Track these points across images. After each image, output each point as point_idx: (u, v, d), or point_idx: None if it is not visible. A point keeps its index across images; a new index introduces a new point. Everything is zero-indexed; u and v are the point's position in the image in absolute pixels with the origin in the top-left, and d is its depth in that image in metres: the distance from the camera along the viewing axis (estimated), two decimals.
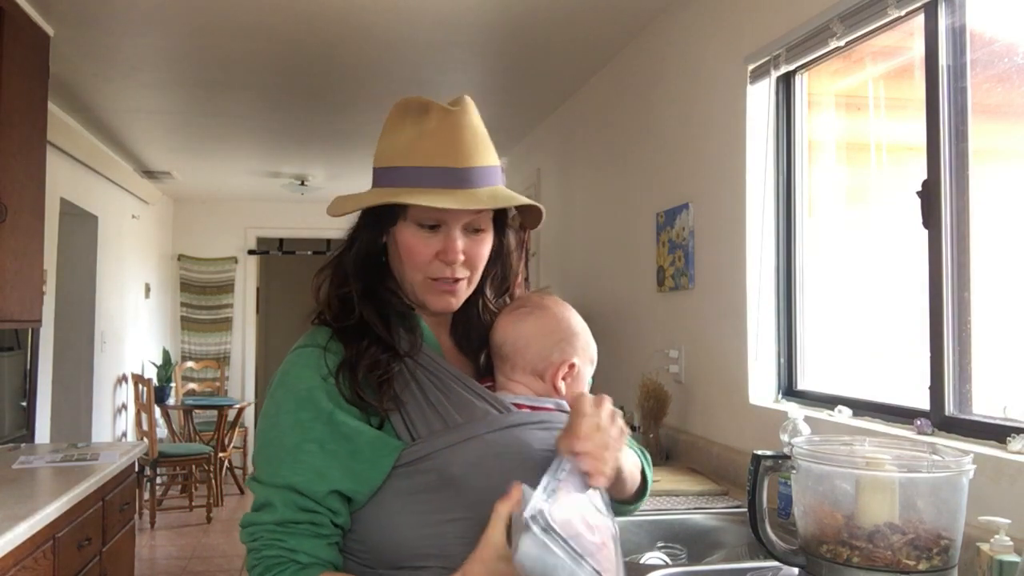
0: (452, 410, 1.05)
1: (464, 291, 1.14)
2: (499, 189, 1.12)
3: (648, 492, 1.25)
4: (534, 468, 0.97)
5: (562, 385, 1.14)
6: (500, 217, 1.17)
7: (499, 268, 1.21)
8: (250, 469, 7.36)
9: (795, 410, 2.05)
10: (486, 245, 1.14)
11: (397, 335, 1.10)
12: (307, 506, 1.01)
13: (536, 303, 1.18)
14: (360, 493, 1.03)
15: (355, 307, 1.10)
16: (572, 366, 1.15)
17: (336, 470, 1.02)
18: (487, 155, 1.12)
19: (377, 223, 1.13)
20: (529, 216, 1.20)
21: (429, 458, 1.02)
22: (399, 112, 1.13)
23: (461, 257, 1.10)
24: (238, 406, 6.98)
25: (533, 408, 1.09)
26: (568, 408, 1.09)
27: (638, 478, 1.20)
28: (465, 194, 1.07)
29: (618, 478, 1.08)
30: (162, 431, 6.80)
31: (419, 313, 1.15)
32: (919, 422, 1.80)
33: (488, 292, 1.21)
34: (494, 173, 1.13)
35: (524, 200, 1.13)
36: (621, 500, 1.18)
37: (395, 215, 1.10)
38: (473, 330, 1.20)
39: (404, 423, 1.04)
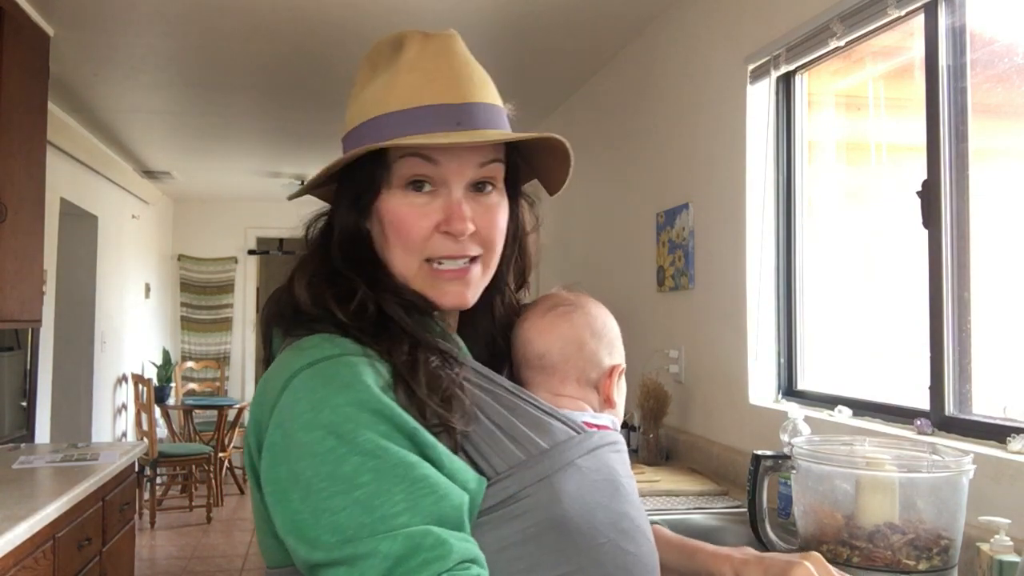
0: (530, 433, 0.80)
1: (479, 279, 0.87)
2: (497, 132, 0.85)
3: None
4: (626, 499, 0.84)
5: (616, 396, 0.97)
6: (514, 186, 0.93)
7: (516, 251, 0.96)
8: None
9: (795, 410, 2.05)
10: (500, 212, 0.87)
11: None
12: (461, 538, 0.70)
13: (571, 300, 1.00)
14: None
15: (366, 304, 0.81)
16: (622, 372, 0.99)
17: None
18: (489, 91, 0.87)
19: (356, 201, 0.85)
20: (550, 175, 0.95)
21: (519, 498, 0.76)
22: (368, 64, 0.88)
23: (470, 227, 0.83)
24: (238, 406, 6.98)
25: (597, 427, 0.90)
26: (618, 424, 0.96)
27: None
28: (468, 134, 0.82)
29: None
30: (162, 431, 6.79)
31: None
32: (919, 422, 1.80)
33: (510, 283, 0.97)
34: (500, 115, 0.87)
35: (544, 134, 0.88)
36: None
37: (377, 184, 0.84)
38: (487, 333, 0.94)
39: (469, 457, 0.77)
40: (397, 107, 0.82)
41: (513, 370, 0.97)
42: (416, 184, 0.83)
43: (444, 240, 0.83)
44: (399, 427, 0.72)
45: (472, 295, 0.87)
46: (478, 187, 0.85)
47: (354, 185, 0.85)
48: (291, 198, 0.91)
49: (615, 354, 0.98)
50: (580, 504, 0.78)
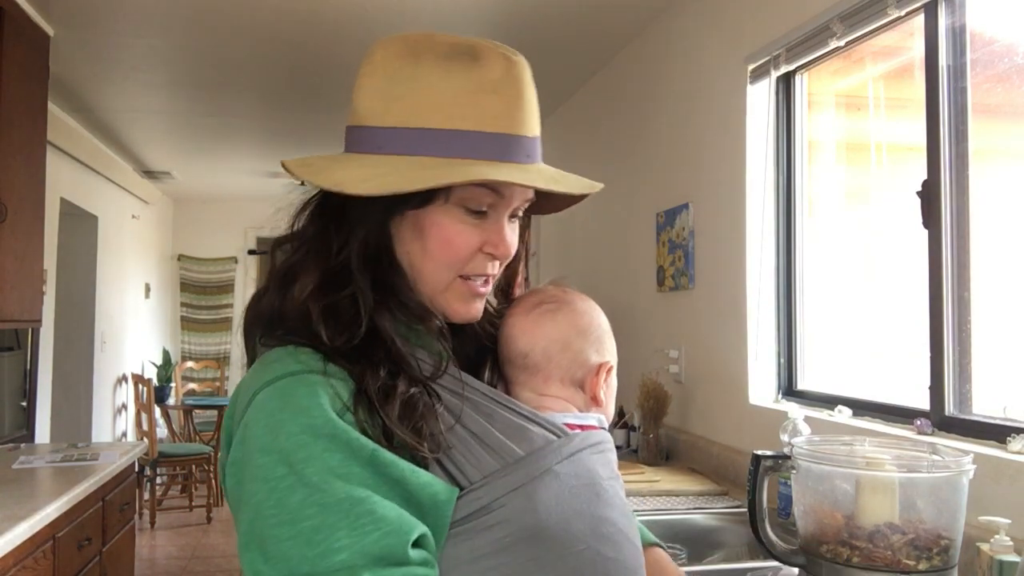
0: (506, 440, 0.80)
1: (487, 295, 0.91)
2: (552, 169, 0.88)
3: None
4: (607, 503, 0.82)
5: (603, 395, 0.94)
6: None
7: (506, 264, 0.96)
8: None
9: (795, 410, 2.05)
10: (517, 234, 0.91)
11: (416, 356, 0.83)
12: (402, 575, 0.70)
13: (557, 297, 0.97)
14: None
15: (361, 320, 0.81)
16: (611, 369, 0.96)
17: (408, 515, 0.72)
18: (539, 121, 0.89)
19: (393, 204, 0.82)
20: (554, 202, 0.96)
21: (493, 508, 0.76)
22: (407, 52, 0.83)
23: (512, 251, 0.87)
24: None
25: (582, 427, 0.88)
26: (606, 423, 0.94)
27: None
28: (538, 172, 0.84)
29: None
30: (162, 431, 6.79)
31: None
32: (919, 422, 1.80)
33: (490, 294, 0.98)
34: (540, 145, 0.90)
35: (597, 186, 0.91)
36: None
37: (429, 195, 0.81)
38: (470, 340, 0.95)
39: (443, 468, 0.77)
40: (477, 127, 0.81)
41: (499, 367, 0.96)
42: (475, 208, 0.84)
43: (483, 260, 0.86)
44: (355, 452, 0.72)
45: (482, 309, 0.91)
46: (512, 212, 0.88)
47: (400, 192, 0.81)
48: (356, 192, 0.81)
49: (603, 351, 0.96)
50: (557, 512, 0.78)
